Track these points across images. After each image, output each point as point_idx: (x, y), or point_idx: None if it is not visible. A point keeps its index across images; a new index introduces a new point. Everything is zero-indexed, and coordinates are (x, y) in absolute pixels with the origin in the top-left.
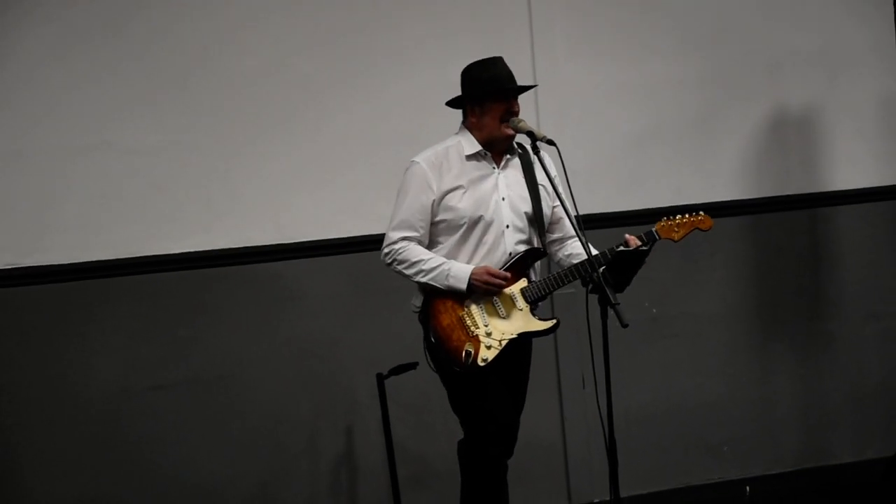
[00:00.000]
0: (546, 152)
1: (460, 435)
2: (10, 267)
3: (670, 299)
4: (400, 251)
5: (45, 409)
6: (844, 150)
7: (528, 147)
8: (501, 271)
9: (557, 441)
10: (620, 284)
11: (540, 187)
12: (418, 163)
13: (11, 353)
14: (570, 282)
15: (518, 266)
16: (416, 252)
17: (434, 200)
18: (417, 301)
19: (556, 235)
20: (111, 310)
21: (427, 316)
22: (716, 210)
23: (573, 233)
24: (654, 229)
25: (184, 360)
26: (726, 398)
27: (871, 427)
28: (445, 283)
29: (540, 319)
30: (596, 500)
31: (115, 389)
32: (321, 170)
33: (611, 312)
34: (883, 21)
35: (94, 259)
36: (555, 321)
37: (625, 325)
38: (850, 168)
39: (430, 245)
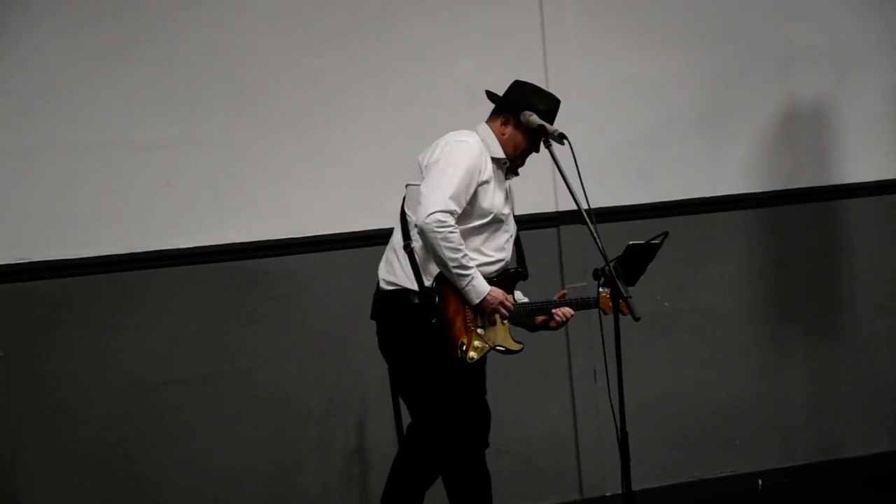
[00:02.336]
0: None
1: None
2: (20, 262)
3: (682, 293)
4: (453, 229)
5: (56, 404)
6: (855, 143)
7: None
8: (512, 304)
9: (569, 434)
10: (632, 278)
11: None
12: (471, 143)
13: (22, 348)
14: (536, 314)
15: (507, 281)
16: (461, 240)
17: (478, 183)
18: (408, 280)
19: None
20: (121, 305)
21: (436, 294)
22: (727, 204)
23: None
24: (597, 298)
25: (195, 355)
26: (738, 392)
27: (883, 420)
28: (464, 286)
29: (512, 338)
30: (608, 494)
31: (126, 384)
32: (331, 165)
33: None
34: (894, 15)
35: (105, 254)
36: (521, 346)
37: (637, 319)
38: (860, 161)
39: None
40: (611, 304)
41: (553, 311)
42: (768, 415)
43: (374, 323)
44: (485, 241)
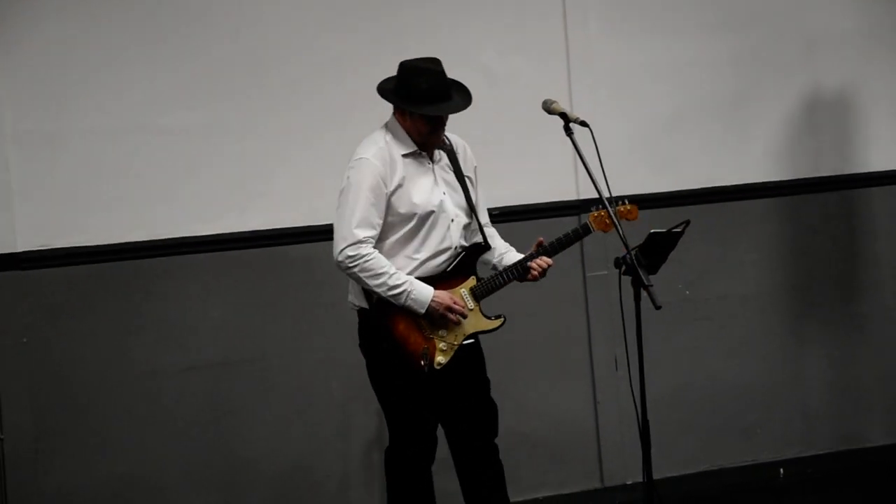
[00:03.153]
0: (468, 144)
1: None
2: (44, 248)
3: (703, 281)
4: (367, 258)
5: (78, 389)
6: (879, 130)
7: (450, 140)
8: (462, 301)
9: (590, 423)
10: (653, 266)
11: (466, 178)
12: (368, 158)
13: (46, 333)
14: (514, 278)
15: (465, 262)
16: (381, 262)
17: (387, 195)
18: (360, 299)
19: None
20: (144, 291)
21: (380, 318)
22: (749, 192)
23: (484, 220)
24: (588, 221)
25: (217, 341)
26: (759, 380)
27: None
28: (403, 303)
29: (487, 318)
30: (628, 482)
31: (148, 370)
32: (352, 151)
33: (644, 294)
34: None
35: (128, 240)
36: (502, 319)
37: (658, 307)
38: (884, 149)
39: (378, 238)
40: (608, 220)
41: (529, 264)
42: (790, 403)
43: None
44: (422, 241)
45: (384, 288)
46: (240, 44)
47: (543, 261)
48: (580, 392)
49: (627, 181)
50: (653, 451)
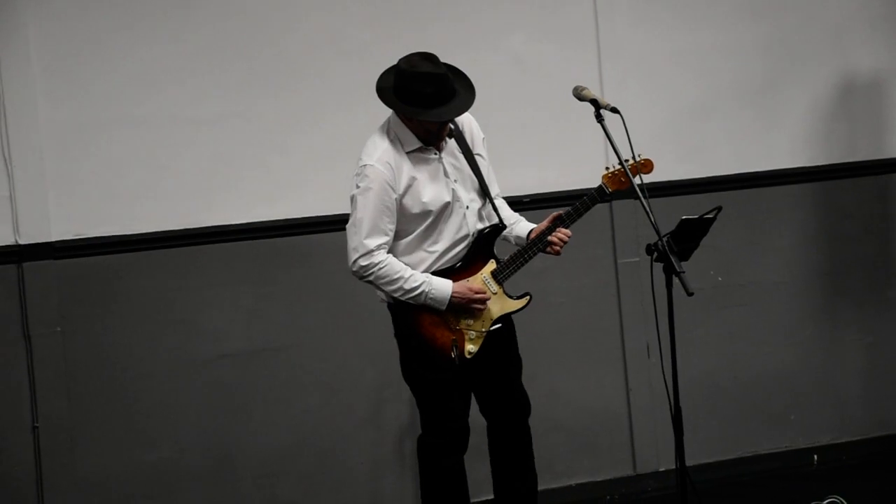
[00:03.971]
0: (473, 119)
1: None
2: (77, 237)
3: (736, 267)
4: (380, 265)
5: (112, 378)
6: None
7: (454, 122)
8: (481, 288)
9: (622, 410)
10: (685, 252)
11: (476, 157)
12: (373, 164)
13: (79, 322)
14: (535, 254)
15: (483, 246)
16: (395, 268)
17: (396, 199)
18: (387, 295)
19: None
20: (175, 280)
21: (406, 314)
22: (781, 177)
23: (494, 192)
24: (601, 183)
25: (247, 330)
26: (793, 366)
27: None
28: (423, 303)
29: (512, 298)
30: (661, 469)
31: (180, 359)
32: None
33: (676, 281)
34: None
35: (160, 230)
36: (528, 297)
37: (690, 294)
38: None
39: (394, 237)
40: (622, 178)
41: (548, 239)
42: (823, 389)
43: None
44: (440, 235)
45: (401, 292)
46: (272, 34)
47: (563, 233)
48: (612, 379)
49: (658, 167)
50: (685, 437)
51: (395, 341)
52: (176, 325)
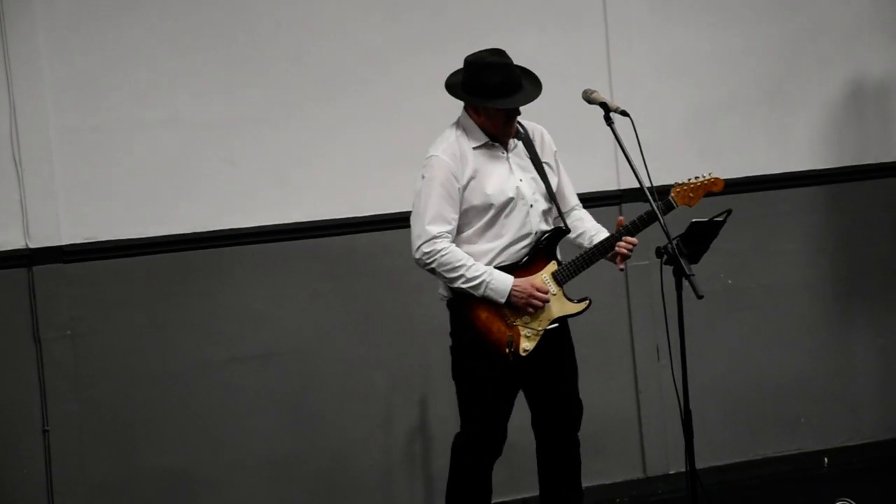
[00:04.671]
0: (545, 130)
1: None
2: (88, 241)
3: (746, 270)
4: (443, 253)
5: (123, 381)
6: None
7: (525, 128)
8: (542, 286)
9: (632, 413)
10: (695, 255)
11: (544, 164)
12: (438, 155)
13: (90, 326)
14: (597, 260)
15: (545, 247)
16: (457, 256)
17: (460, 189)
18: (446, 290)
19: (562, 209)
20: (186, 284)
21: (462, 307)
22: (791, 181)
23: (572, 204)
24: (670, 197)
25: (259, 333)
26: (803, 369)
27: None
28: (482, 294)
29: (572, 301)
30: (671, 472)
31: (191, 362)
32: (393, 143)
33: (686, 283)
34: None
35: (168, 233)
36: (588, 301)
37: (700, 297)
38: None
39: (458, 230)
40: (691, 194)
41: (616, 244)
42: (834, 392)
43: (436, 301)
44: (502, 229)
45: (462, 280)
46: (280, 36)
47: (629, 241)
48: (622, 382)
49: (668, 170)
50: (695, 440)
51: (406, 345)
52: (187, 329)
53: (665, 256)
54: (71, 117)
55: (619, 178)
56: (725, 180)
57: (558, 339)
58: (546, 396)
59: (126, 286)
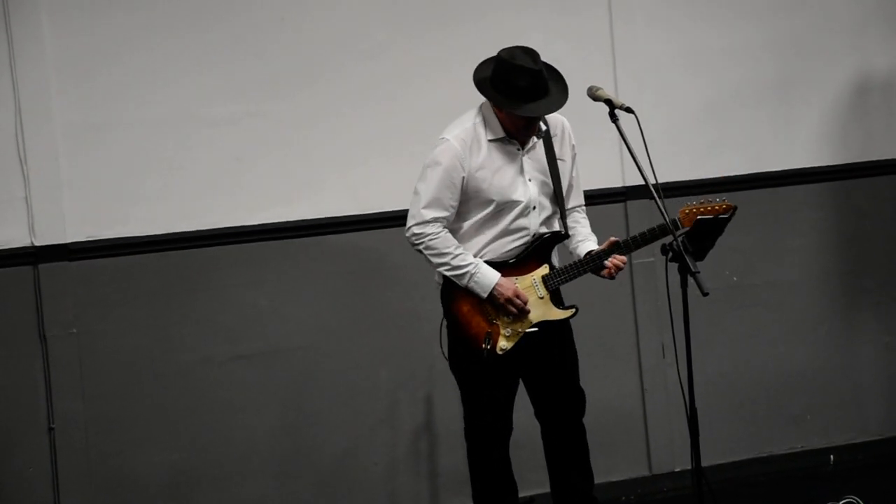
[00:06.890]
0: (568, 123)
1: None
2: (91, 239)
3: (751, 267)
4: (432, 237)
5: (128, 379)
6: None
7: (548, 123)
8: (524, 295)
9: (638, 410)
10: (700, 252)
11: (559, 161)
12: (449, 140)
13: (95, 323)
14: (586, 272)
15: (541, 250)
16: (447, 242)
17: (464, 178)
18: (439, 276)
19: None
20: (192, 281)
21: (447, 297)
22: (797, 177)
23: (573, 204)
24: (677, 218)
25: (263, 330)
26: (809, 366)
27: None
28: (466, 284)
29: (559, 307)
30: (677, 469)
31: (196, 360)
32: (398, 140)
33: (691, 281)
34: None
35: (176, 231)
36: (574, 309)
37: (705, 294)
38: None
39: (455, 220)
40: (699, 214)
41: (604, 263)
42: (840, 390)
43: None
44: (498, 226)
45: (447, 267)
46: (286, 34)
47: (619, 259)
48: (628, 379)
49: (673, 167)
50: (701, 437)
51: (410, 342)
52: (192, 326)
53: (670, 254)
54: (76, 115)
55: (624, 175)
56: (731, 177)
57: (558, 330)
58: (547, 386)
59: (132, 284)
